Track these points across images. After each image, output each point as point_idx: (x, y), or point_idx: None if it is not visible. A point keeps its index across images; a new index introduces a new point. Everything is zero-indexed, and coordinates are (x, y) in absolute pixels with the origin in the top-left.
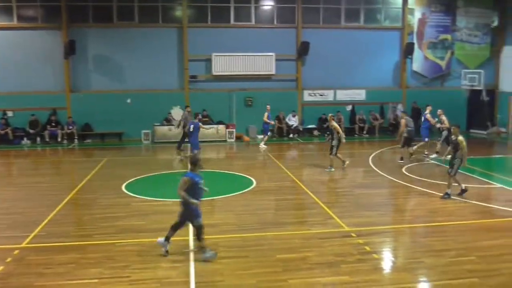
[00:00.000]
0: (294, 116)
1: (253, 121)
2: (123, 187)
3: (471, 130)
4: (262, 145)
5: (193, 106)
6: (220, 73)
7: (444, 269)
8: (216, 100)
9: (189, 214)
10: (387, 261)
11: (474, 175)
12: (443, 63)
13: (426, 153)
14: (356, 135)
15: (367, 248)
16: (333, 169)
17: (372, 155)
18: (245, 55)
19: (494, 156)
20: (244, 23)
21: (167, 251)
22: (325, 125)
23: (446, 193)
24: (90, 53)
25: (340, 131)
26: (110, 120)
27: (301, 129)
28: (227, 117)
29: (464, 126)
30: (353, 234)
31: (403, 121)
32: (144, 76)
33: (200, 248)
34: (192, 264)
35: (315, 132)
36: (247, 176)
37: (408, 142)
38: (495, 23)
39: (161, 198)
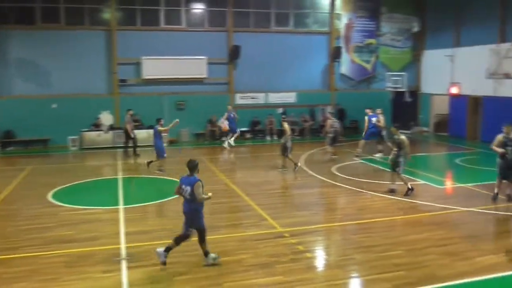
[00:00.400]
0: (226, 119)
1: (186, 124)
2: (49, 196)
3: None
4: (231, 142)
5: (123, 111)
6: (151, 77)
7: (373, 264)
8: (147, 104)
9: (196, 220)
10: (319, 259)
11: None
12: (369, 66)
13: (358, 153)
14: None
15: (300, 247)
16: (286, 169)
17: (303, 156)
18: (176, 59)
19: (417, 154)
20: (175, 26)
21: (164, 263)
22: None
23: (392, 189)
24: (12, 57)
25: (288, 133)
26: (34, 127)
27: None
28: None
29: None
30: (286, 235)
31: (328, 122)
32: (71, 80)
33: (204, 252)
34: (124, 273)
35: (248, 135)
36: None
37: (333, 141)
38: (416, 29)
39: (91, 206)
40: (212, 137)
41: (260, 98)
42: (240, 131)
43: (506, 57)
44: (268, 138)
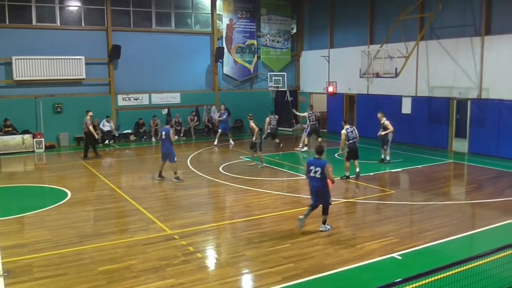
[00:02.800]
0: (108, 121)
1: (64, 128)
2: None
3: (279, 128)
4: (231, 142)
5: None
6: (23, 78)
7: (264, 259)
8: (20, 107)
9: (324, 197)
10: (211, 258)
11: (283, 169)
12: (251, 67)
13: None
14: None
15: (191, 248)
16: (264, 165)
17: (190, 156)
18: (51, 58)
19: (297, 150)
20: (49, 24)
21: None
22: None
23: (347, 176)
24: None
25: (256, 130)
26: None
27: (116, 134)
28: (33, 125)
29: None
30: (176, 237)
31: (267, 120)
32: None
33: (323, 221)
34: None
35: (132, 137)
36: (61, 188)
37: (272, 136)
38: (294, 30)
39: None
40: (94, 141)
41: (143, 99)
42: (123, 133)
43: (376, 57)
44: (153, 140)
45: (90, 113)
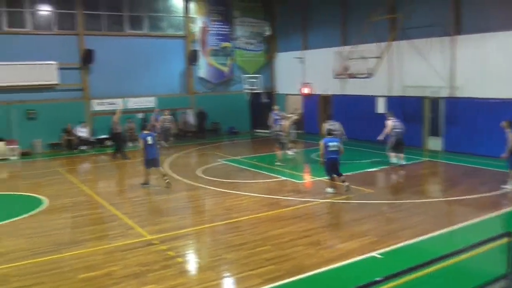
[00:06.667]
0: (83, 127)
1: (39, 135)
2: None
3: (256, 130)
4: None
5: None
6: None
7: (244, 262)
8: None
9: (338, 167)
10: (191, 263)
11: (261, 171)
12: (225, 69)
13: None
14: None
15: (171, 253)
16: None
17: (168, 160)
18: (22, 64)
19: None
20: (19, 29)
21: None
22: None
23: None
24: None
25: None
26: None
27: (92, 140)
28: (6, 132)
29: (248, 127)
30: (156, 242)
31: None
32: None
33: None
34: None
35: (108, 142)
36: (37, 196)
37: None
38: (268, 33)
39: None
40: (69, 147)
41: (118, 103)
42: (98, 139)
43: (349, 58)
44: (130, 144)
45: (117, 115)
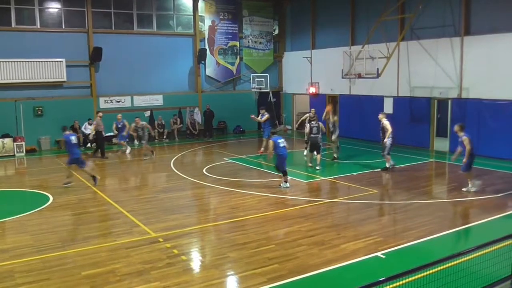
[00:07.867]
0: (90, 124)
1: (45, 132)
2: None
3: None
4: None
5: None
6: (3, 81)
7: (248, 260)
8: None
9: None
10: (195, 261)
11: (268, 170)
12: (233, 68)
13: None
14: (156, 140)
15: (175, 251)
16: None
17: (174, 159)
18: (31, 61)
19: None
20: (28, 27)
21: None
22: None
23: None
24: None
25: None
26: None
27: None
28: (14, 129)
29: (255, 126)
30: (160, 239)
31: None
32: None
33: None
34: None
35: (114, 140)
36: (42, 192)
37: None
38: (276, 32)
39: None
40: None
41: (125, 101)
42: (107, 136)
43: (358, 58)
44: (136, 142)
45: (100, 114)
